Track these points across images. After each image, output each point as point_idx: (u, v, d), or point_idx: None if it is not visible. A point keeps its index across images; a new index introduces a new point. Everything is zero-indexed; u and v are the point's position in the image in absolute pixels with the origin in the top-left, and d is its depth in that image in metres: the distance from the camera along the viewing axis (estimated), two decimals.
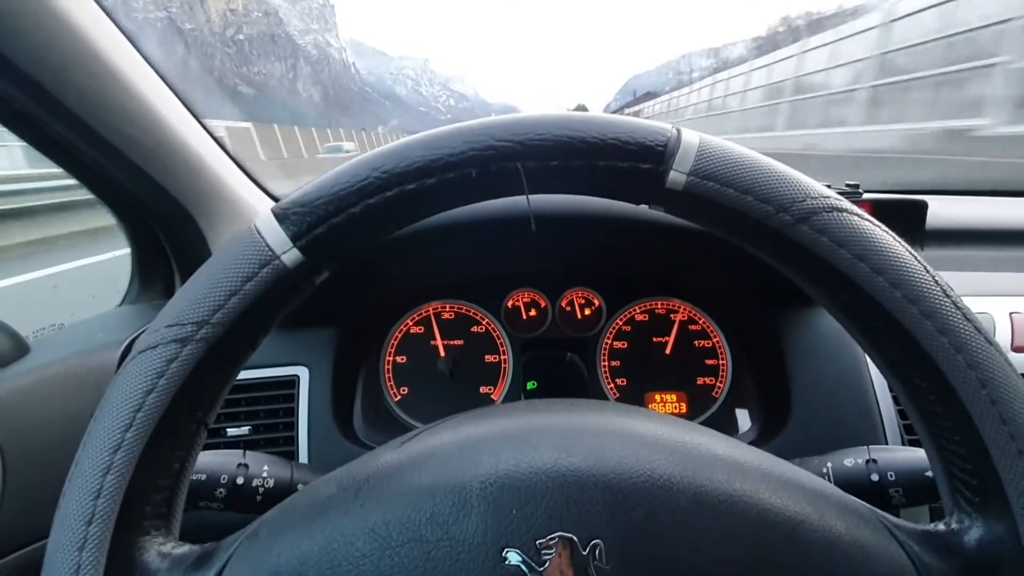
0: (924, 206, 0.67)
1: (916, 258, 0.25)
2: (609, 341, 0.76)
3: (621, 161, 0.27)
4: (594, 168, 0.27)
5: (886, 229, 0.26)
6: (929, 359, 0.25)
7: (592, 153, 0.27)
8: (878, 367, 0.28)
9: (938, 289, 0.25)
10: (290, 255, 0.27)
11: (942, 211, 0.79)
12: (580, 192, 0.29)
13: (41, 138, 0.61)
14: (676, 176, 0.26)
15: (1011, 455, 0.24)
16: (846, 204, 0.26)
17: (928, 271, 0.25)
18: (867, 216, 0.26)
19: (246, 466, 0.45)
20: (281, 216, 0.27)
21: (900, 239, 0.26)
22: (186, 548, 0.28)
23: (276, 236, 0.27)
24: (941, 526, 0.27)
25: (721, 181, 0.26)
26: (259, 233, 0.27)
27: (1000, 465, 0.24)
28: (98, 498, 0.24)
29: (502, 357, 0.77)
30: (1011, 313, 0.63)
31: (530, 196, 0.28)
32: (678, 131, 0.27)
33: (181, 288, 0.27)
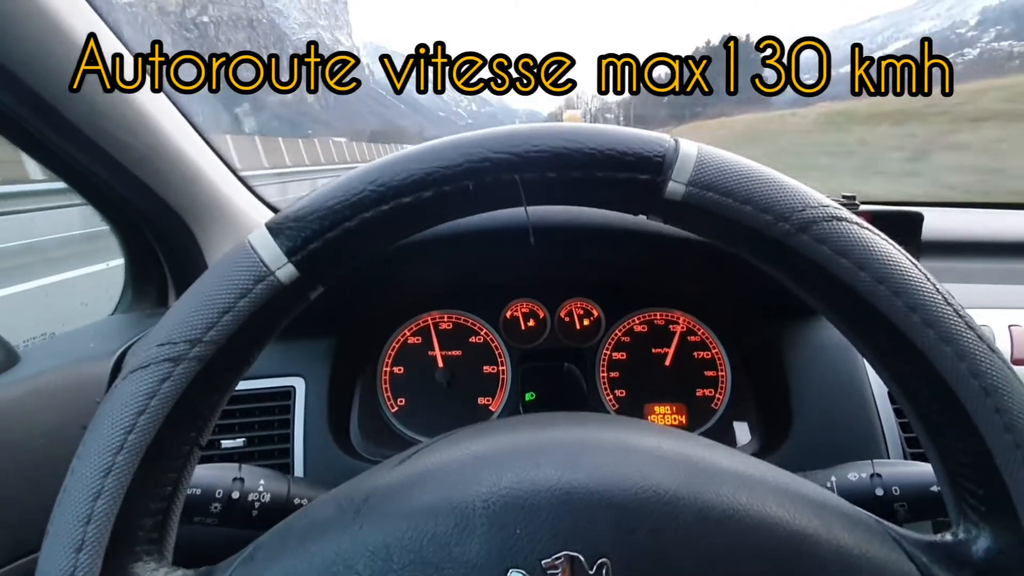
0: (920, 218, 0.68)
1: (917, 267, 0.25)
2: (608, 352, 0.76)
3: (619, 172, 0.27)
4: (592, 179, 0.27)
5: (886, 238, 0.26)
6: (932, 369, 0.24)
7: (590, 164, 0.26)
8: (881, 377, 0.28)
9: (940, 297, 0.25)
10: (285, 270, 0.26)
11: (939, 223, 0.79)
12: (578, 203, 0.29)
13: (36, 145, 0.61)
14: (675, 187, 0.26)
15: (1016, 462, 0.23)
16: (846, 213, 0.26)
17: (929, 280, 0.25)
18: (867, 225, 0.26)
19: (242, 480, 0.44)
20: (276, 231, 0.27)
21: (901, 248, 0.26)
22: (179, 573, 0.27)
23: (271, 251, 0.26)
24: (948, 536, 0.27)
25: (720, 191, 0.26)
26: (253, 248, 0.27)
27: (1006, 473, 0.24)
28: (88, 524, 0.23)
29: (500, 368, 0.76)
30: (1010, 326, 0.63)
31: (528, 208, 0.27)
32: (676, 141, 0.27)
33: (174, 305, 0.27)
